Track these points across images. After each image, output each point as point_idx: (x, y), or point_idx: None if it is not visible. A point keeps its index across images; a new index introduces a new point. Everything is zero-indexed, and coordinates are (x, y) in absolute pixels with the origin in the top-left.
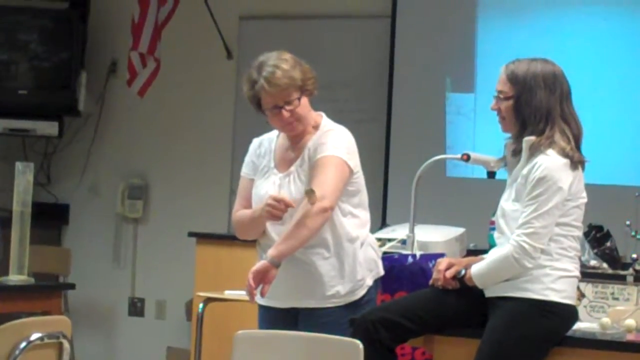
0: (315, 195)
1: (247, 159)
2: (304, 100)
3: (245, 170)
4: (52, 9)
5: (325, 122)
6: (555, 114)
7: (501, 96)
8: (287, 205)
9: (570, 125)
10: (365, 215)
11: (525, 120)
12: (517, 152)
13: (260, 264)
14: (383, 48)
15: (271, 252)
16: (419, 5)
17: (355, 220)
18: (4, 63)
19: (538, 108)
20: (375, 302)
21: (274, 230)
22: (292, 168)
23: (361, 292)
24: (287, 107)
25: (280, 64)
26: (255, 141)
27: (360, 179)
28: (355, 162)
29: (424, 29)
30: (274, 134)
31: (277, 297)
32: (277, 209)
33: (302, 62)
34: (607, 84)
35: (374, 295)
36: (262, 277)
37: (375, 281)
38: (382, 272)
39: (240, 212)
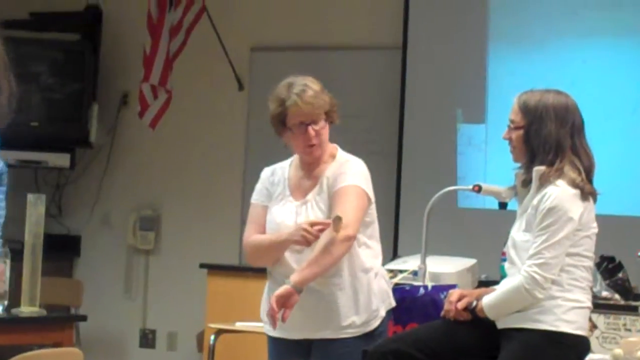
0: (340, 223)
1: (260, 186)
2: (326, 127)
3: (258, 197)
4: (63, 40)
5: (342, 153)
6: (566, 146)
7: (512, 125)
8: (321, 231)
9: (581, 158)
10: (377, 246)
11: (534, 151)
12: (526, 183)
13: (283, 288)
14: (394, 79)
15: (294, 277)
16: (430, 36)
17: (369, 251)
18: (16, 95)
19: (547, 139)
20: (387, 333)
21: (292, 258)
22: (309, 196)
23: (376, 323)
24: (314, 126)
25: (311, 85)
26: (267, 170)
27: (374, 210)
28: (371, 192)
29: (435, 60)
30: (286, 164)
31: (291, 328)
32: (312, 235)
33: (325, 90)
34: (619, 115)
35: (387, 326)
36: (284, 302)
37: (388, 312)
38: (393, 303)
39: (256, 237)
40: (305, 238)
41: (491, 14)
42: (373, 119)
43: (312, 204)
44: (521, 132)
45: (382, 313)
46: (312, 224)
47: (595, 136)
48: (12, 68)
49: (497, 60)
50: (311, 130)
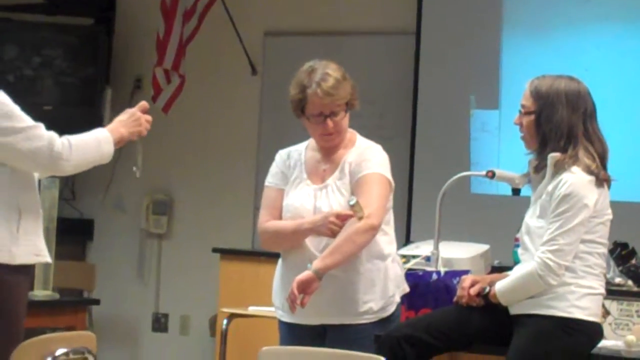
0: (359, 208)
1: (275, 169)
2: (346, 116)
3: (273, 180)
4: (77, 25)
5: (361, 139)
6: (578, 132)
7: (523, 111)
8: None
9: (594, 144)
10: (392, 232)
11: (545, 136)
12: (539, 169)
13: (305, 274)
14: (407, 65)
15: (317, 264)
16: (444, 22)
17: (386, 237)
18: (30, 79)
19: (559, 125)
20: (400, 319)
21: (311, 243)
22: (329, 180)
23: (392, 309)
24: (333, 118)
25: (333, 73)
26: (283, 152)
27: (391, 195)
28: (391, 178)
29: (449, 45)
30: (302, 147)
31: (307, 314)
32: (339, 227)
33: (346, 76)
34: (633, 101)
35: (400, 312)
36: (305, 288)
37: (401, 297)
38: (407, 289)
39: (275, 223)
40: (332, 230)
41: (505, 0)
42: (386, 104)
43: (333, 188)
44: (532, 117)
45: (398, 299)
46: (338, 216)
47: (609, 122)
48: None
49: (511, 46)
50: (329, 122)
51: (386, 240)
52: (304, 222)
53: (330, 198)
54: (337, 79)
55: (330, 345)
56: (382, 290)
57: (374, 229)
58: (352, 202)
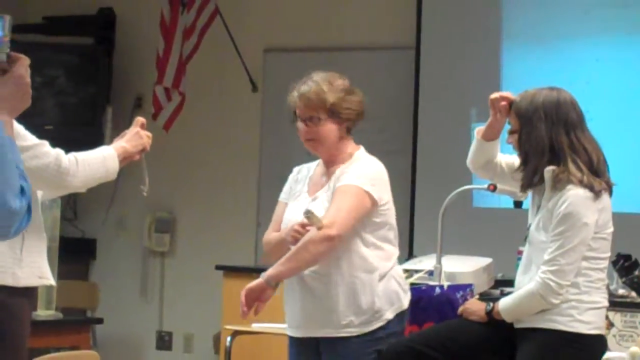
0: (315, 218)
1: (286, 185)
2: (331, 126)
3: (282, 195)
4: (77, 44)
5: (360, 153)
6: (562, 145)
7: (509, 130)
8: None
9: (580, 155)
10: (391, 249)
11: (527, 154)
12: (524, 187)
13: (255, 282)
14: (408, 79)
15: (269, 271)
16: (443, 36)
17: (378, 252)
18: (30, 98)
19: (539, 141)
20: (399, 336)
21: None
22: (319, 193)
23: (377, 324)
24: (309, 124)
25: (321, 82)
26: (296, 168)
27: (389, 211)
28: (381, 194)
29: (449, 59)
30: (315, 162)
31: (297, 327)
32: (301, 235)
33: (352, 91)
34: (633, 113)
35: (397, 329)
36: (257, 296)
37: (398, 315)
38: (405, 306)
39: (269, 235)
40: (294, 239)
41: (504, 14)
42: (387, 119)
43: (322, 199)
44: (516, 136)
45: (389, 315)
46: (302, 225)
47: (609, 134)
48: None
49: (511, 59)
50: (305, 127)
51: (379, 255)
52: (284, 231)
53: (318, 210)
54: (318, 85)
55: (329, 358)
56: (366, 304)
57: (330, 239)
58: (306, 214)
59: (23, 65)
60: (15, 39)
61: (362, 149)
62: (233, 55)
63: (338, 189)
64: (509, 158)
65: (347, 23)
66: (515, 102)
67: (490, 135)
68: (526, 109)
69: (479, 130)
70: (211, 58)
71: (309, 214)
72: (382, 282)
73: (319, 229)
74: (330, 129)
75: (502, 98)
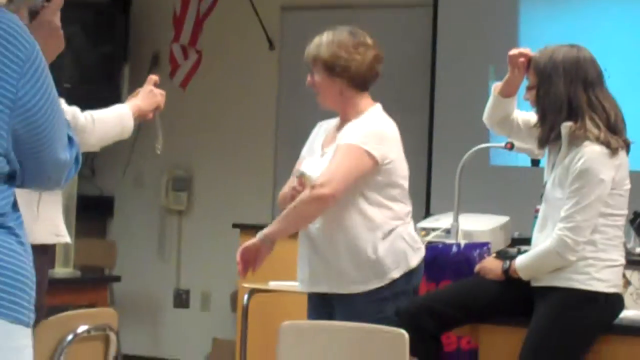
0: (307, 178)
1: (308, 140)
2: (328, 80)
3: (303, 150)
4: (94, 2)
5: (372, 110)
6: (580, 102)
7: (527, 86)
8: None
9: (598, 112)
10: (401, 207)
11: (545, 110)
12: (542, 142)
13: (251, 241)
14: (425, 37)
15: (265, 230)
16: None
17: (384, 210)
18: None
19: (557, 98)
20: (408, 297)
21: None
22: (328, 148)
23: (380, 283)
24: (310, 74)
25: (325, 36)
26: (319, 123)
27: (395, 169)
28: (384, 152)
29: (466, 17)
30: (336, 119)
31: (305, 281)
32: (298, 193)
33: (358, 46)
34: None
35: (405, 288)
36: (253, 255)
37: (406, 275)
38: (413, 266)
39: (284, 189)
40: (293, 197)
41: None
42: (404, 77)
43: (329, 156)
44: (534, 92)
45: (394, 275)
46: (300, 184)
47: (627, 92)
48: None
49: (529, 15)
50: (309, 76)
51: (385, 214)
52: (286, 188)
53: (323, 165)
54: (320, 41)
55: (338, 314)
56: (368, 262)
57: (321, 199)
58: (298, 174)
59: (52, 9)
60: None
61: (376, 105)
62: (250, 13)
63: (338, 147)
64: (525, 115)
65: None
66: (534, 58)
67: (507, 92)
68: (545, 65)
69: (496, 86)
70: (228, 16)
71: (301, 174)
72: (387, 240)
73: (313, 188)
74: (327, 83)
75: (521, 54)
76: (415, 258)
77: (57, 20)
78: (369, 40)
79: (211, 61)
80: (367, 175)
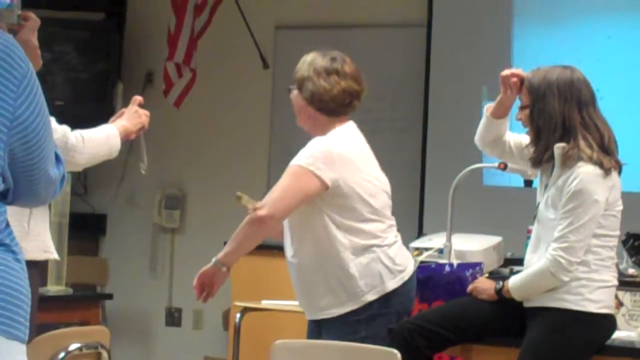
0: (244, 200)
1: None
2: (301, 101)
3: None
4: (88, 20)
5: (333, 132)
6: (574, 122)
7: (520, 106)
8: None
9: (592, 133)
10: (376, 226)
11: (539, 129)
12: (536, 162)
13: (207, 266)
14: (419, 57)
15: (219, 254)
16: (455, 13)
17: (355, 232)
18: (41, 74)
19: (552, 117)
20: (386, 320)
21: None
22: None
23: (353, 306)
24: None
25: (310, 56)
26: None
27: (357, 190)
28: (334, 174)
29: (460, 37)
30: None
31: (301, 308)
32: None
33: (331, 73)
34: None
35: (383, 311)
36: (209, 280)
37: (383, 298)
38: (389, 288)
39: None
40: None
41: None
42: (398, 96)
43: None
44: (527, 111)
45: (368, 297)
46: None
47: (619, 112)
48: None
49: (522, 36)
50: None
51: (357, 236)
52: None
53: None
54: (305, 58)
55: (324, 337)
56: (340, 285)
57: (259, 221)
58: (237, 197)
59: (29, 28)
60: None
61: (344, 125)
62: (244, 32)
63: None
64: (517, 137)
65: (359, 0)
66: (527, 78)
67: (499, 113)
68: (539, 85)
69: (488, 107)
70: (222, 34)
71: (237, 197)
72: (359, 262)
73: (253, 210)
74: (298, 102)
75: (513, 75)
76: (394, 282)
77: (34, 39)
78: (348, 70)
79: (205, 80)
80: (318, 197)
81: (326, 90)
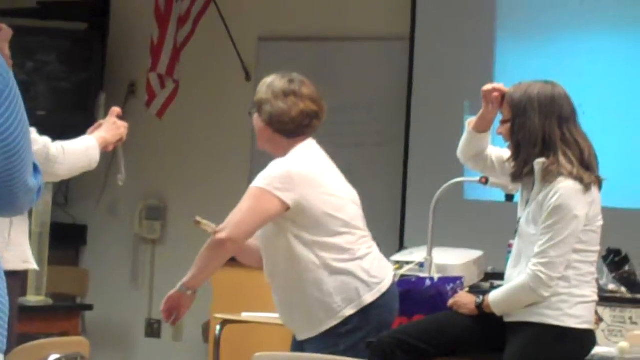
0: (203, 225)
1: None
2: (258, 121)
3: None
4: (71, 30)
5: (292, 152)
6: (555, 138)
7: (501, 120)
8: None
9: (572, 148)
10: (347, 238)
11: (519, 144)
12: (515, 176)
13: (173, 290)
14: (401, 70)
15: (184, 278)
16: (438, 27)
17: (326, 248)
18: (23, 84)
19: (532, 132)
20: (364, 333)
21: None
22: None
23: (332, 322)
24: None
25: (270, 78)
26: None
27: (321, 206)
28: (295, 195)
29: (443, 51)
30: None
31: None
32: None
33: (286, 94)
34: (626, 106)
35: (362, 324)
36: (176, 304)
37: (362, 311)
38: (367, 302)
39: None
40: None
41: (498, 5)
42: (380, 109)
43: None
44: (508, 126)
45: (347, 312)
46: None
47: (601, 127)
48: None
49: (505, 51)
50: None
51: (329, 252)
52: None
53: None
54: (265, 80)
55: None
56: (316, 304)
57: (219, 244)
58: (195, 222)
59: (1, 38)
60: (7, 22)
61: (304, 143)
62: (227, 44)
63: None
64: (499, 151)
65: (342, 13)
66: (508, 92)
67: (481, 127)
68: (520, 99)
69: (470, 121)
70: (205, 46)
71: (195, 222)
72: (335, 278)
73: (214, 233)
74: (258, 124)
75: (495, 89)
76: (371, 295)
77: (6, 49)
78: (305, 91)
79: (188, 91)
80: (285, 219)
81: (284, 112)
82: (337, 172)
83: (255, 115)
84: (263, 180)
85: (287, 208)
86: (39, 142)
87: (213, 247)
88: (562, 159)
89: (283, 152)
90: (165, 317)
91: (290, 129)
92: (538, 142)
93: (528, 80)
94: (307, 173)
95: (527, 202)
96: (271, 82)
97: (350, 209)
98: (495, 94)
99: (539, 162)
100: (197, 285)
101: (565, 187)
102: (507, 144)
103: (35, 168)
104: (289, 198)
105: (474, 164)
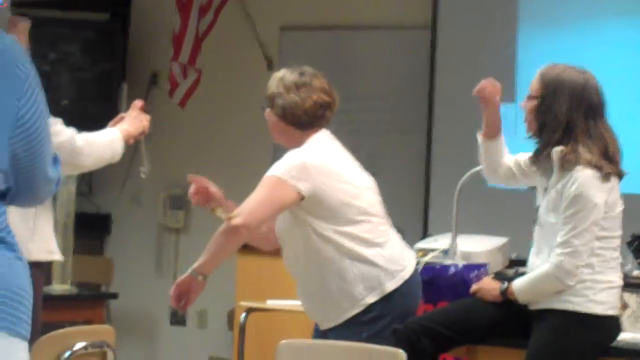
0: (218, 212)
1: None
2: (270, 115)
3: None
4: (93, 20)
5: (307, 143)
6: (578, 127)
7: (529, 95)
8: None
9: (595, 140)
10: (365, 226)
11: (544, 124)
12: (537, 154)
13: (184, 275)
14: (423, 58)
15: (195, 264)
16: (460, 15)
17: (345, 237)
18: (46, 74)
19: (557, 117)
20: (388, 320)
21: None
22: None
23: (355, 310)
24: None
25: (280, 72)
26: None
27: (337, 195)
28: (310, 184)
29: (465, 39)
30: None
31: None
32: None
33: (298, 86)
34: None
35: (385, 311)
36: (186, 289)
37: (385, 299)
38: (389, 289)
39: None
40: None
41: None
42: (403, 98)
43: None
44: (535, 102)
45: (369, 300)
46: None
47: (624, 116)
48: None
49: (527, 38)
50: None
51: (348, 241)
52: None
53: None
54: (276, 74)
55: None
56: (339, 292)
57: (233, 230)
58: (211, 209)
59: (19, 30)
60: (30, 13)
61: (317, 134)
62: (249, 33)
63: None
64: (513, 158)
65: (364, 2)
66: (542, 69)
67: (491, 132)
68: (553, 79)
69: (480, 134)
70: (227, 35)
71: (213, 210)
72: (355, 266)
73: (228, 220)
74: (270, 118)
75: (484, 85)
76: (393, 282)
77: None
78: (317, 83)
79: (210, 80)
80: (302, 210)
81: (297, 104)
82: (352, 160)
83: (268, 110)
84: (278, 169)
85: (301, 198)
86: (66, 133)
87: (227, 233)
88: (581, 148)
89: (297, 143)
90: (174, 303)
91: (304, 120)
92: (559, 129)
93: (564, 64)
94: (322, 163)
95: (546, 190)
96: (282, 76)
97: (366, 196)
98: (489, 88)
99: (556, 151)
100: (209, 270)
101: (584, 176)
102: (527, 123)
103: (55, 159)
104: (304, 187)
105: (501, 178)
